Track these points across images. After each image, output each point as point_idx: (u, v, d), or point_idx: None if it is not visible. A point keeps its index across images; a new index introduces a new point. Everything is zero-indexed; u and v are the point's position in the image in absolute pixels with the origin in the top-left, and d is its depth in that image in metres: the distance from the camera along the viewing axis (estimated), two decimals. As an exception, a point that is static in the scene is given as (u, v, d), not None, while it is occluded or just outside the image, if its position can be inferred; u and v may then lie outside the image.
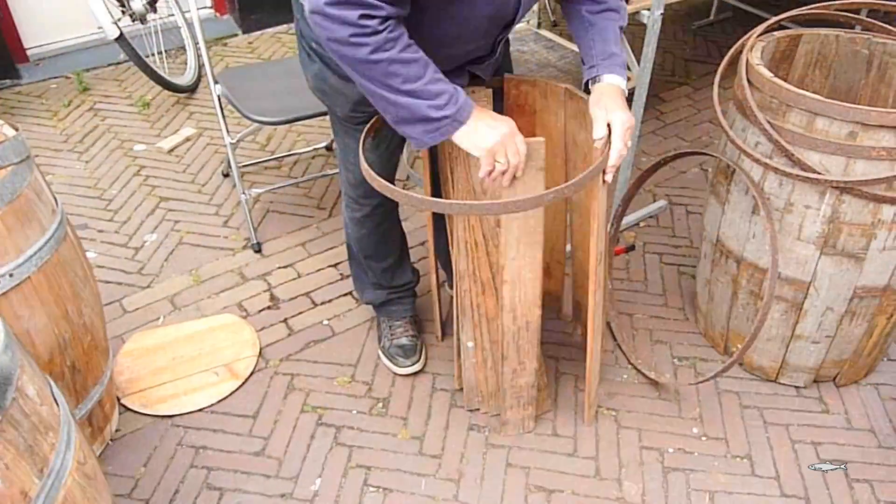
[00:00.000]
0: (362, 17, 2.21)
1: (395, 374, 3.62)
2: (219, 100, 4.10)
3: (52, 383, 2.17)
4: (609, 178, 2.64)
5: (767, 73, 2.91)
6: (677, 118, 5.47)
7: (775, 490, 3.14)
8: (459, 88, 2.44)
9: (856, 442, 3.31)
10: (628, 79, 4.82)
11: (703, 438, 3.33)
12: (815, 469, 3.22)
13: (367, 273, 3.59)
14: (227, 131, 4.14)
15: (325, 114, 3.37)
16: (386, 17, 2.25)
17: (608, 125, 2.61)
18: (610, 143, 2.59)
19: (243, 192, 4.26)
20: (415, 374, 3.61)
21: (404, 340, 3.63)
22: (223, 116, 4.12)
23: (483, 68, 2.84)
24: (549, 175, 3.09)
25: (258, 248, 4.31)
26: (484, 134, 2.45)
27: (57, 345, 2.77)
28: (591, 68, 2.71)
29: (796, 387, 3.52)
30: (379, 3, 2.20)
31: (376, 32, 2.24)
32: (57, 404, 2.09)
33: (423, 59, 2.35)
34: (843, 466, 3.23)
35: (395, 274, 3.57)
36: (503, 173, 2.50)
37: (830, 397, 3.48)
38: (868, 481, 3.16)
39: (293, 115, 3.94)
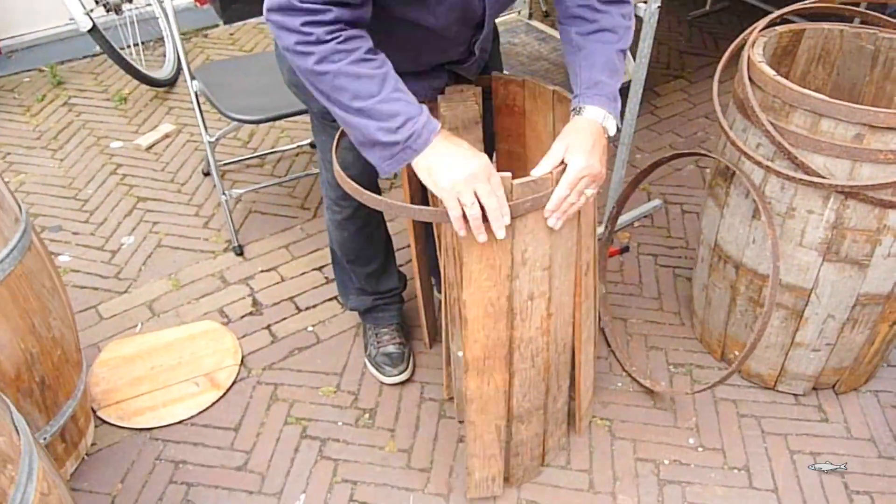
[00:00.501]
0: (305, 24, 2.08)
1: (382, 383, 3.53)
2: (196, 96, 3.99)
3: (13, 409, 2.07)
4: (553, 223, 2.33)
5: (770, 72, 2.81)
6: (672, 113, 5.38)
7: (774, 503, 3.06)
8: (423, 113, 2.20)
9: (856, 451, 3.23)
10: (624, 73, 4.76)
11: (700, 449, 3.25)
12: (813, 469, 3.18)
13: (351, 278, 3.50)
14: (206, 129, 4.03)
15: (306, 111, 3.26)
16: (333, 24, 2.10)
17: (563, 163, 2.28)
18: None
19: (223, 193, 4.15)
20: (402, 383, 3.51)
21: (391, 348, 3.53)
22: (201, 114, 4.00)
23: (465, 69, 2.72)
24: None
25: (240, 251, 4.22)
26: (446, 169, 2.18)
27: (24, 360, 2.68)
28: (575, 98, 2.41)
29: (795, 394, 3.44)
30: (323, 8, 2.06)
31: (321, 42, 2.09)
32: (18, 432, 2.00)
33: (379, 75, 2.16)
34: (843, 466, 3.18)
35: (381, 279, 3.48)
36: (477, 218, 2.21)
37: (830, 405, 3.41)
38: (868, 493, 3.09)
39: (274, 114, 3.83)
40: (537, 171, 2.27)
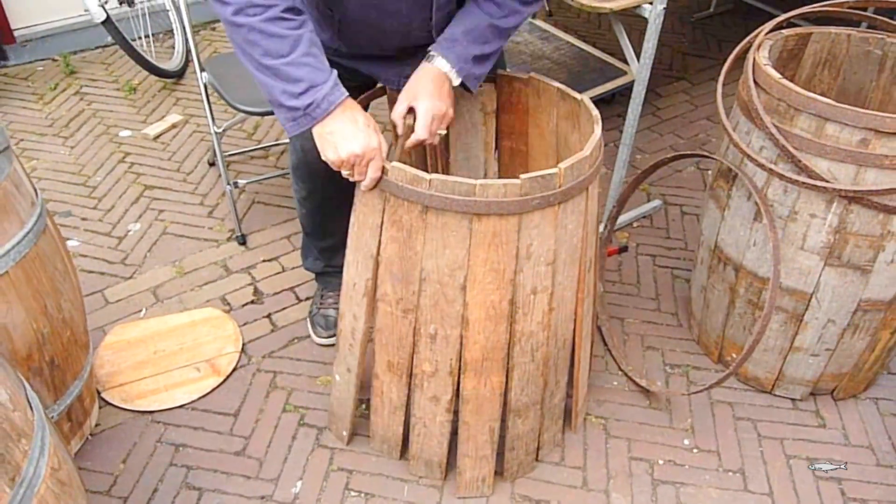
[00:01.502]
0: None
1: (314, 342, 3.69)
2: (205, 88, 4.01)
3: (27, 386, 2.09)
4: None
5: (776, 75, 2.82)
6: (674, 114, 5.39)
7: (768, 506, 3.08)
8: (328, 81, 2.35)
9: (853, 459, 3.24)
10: (624, 73, 4.79)
11: (695, 450, 3.26)
12: (813, 469, 3.19)
13: (309, 245, 3.61)
14: (214, 120, 4.04)
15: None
16: None
17: (412, 110, 2.59)
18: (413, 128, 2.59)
19: (228, 184, 4.16)
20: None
21: (331, 312, 3.63)
22: (209, 105, 4.02)
23: None
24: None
25: (243, 241, 4.24)
26: (334, 142, 2.38)
27: (35, 340, 2.70)
28: (434, 42, 2.63)
29: (792, 399, 3.45)
30: None
31: None
32: (31, 409, 2.02)
33: (293, 36, 2.27)
34: (843, 465, 3.20)
35: (334, 256, 3.56)
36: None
37: (827, 411, 3.41)
38: (865, 501, 3.09)
39: (280, 107, 3.82)
40: (394, 114, 2.63)
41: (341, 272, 3.54)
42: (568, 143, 2.90)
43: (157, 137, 5.07)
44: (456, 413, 2.89)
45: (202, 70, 3.99)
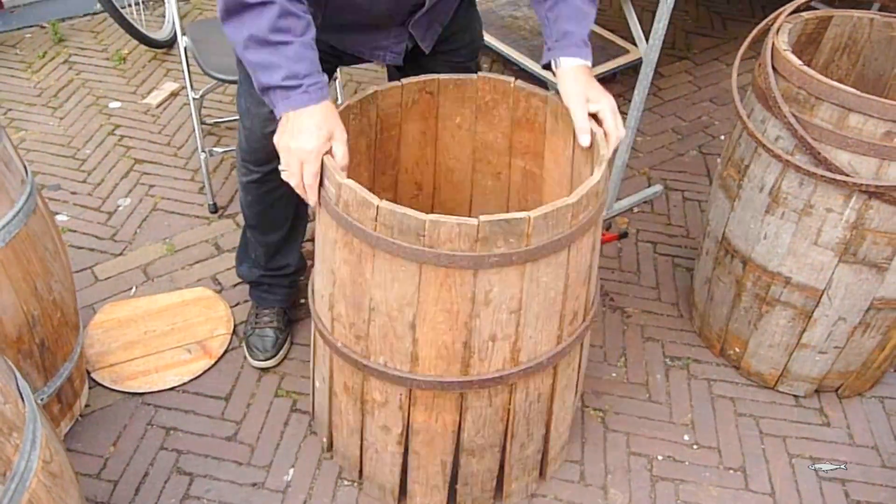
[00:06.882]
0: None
1: (252, 366, 3.47)
2: (185, 52, 3.99)
3: (18, 375, 2.04)
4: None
5: (796, 61, 2.76)
6: (676, 95, 5.30)
7: (770, 507, 3.04)
8: (319, 83, 2.29)
9: (858, 459, 3.20)
10: (627, 52, 4.71)
11: (695, 447, 3.22)
12: (813, 469, 3.15)
13: (248, 245, 3.42)
14: (192, 87, 4.04)
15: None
16: None
17: (593, 115, 2.48)
18: (605, 132, 2.45)
19: (203, 151, 4.13)
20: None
21: (267, 331, 3.45)
22: (188, 70, 4.02)
23: (418, 25, 2.70)
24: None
25: (215, 209, 4.21)
26: (289, 133, 2.28)
27: (26, 322, 2.66)
28: (547, 51, 2.56)
29: (795, 396, 3.41)
30: None
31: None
32: (22, 399, 1.97)
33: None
34: (843, 466, 3.16)
35: (276, 255, 3.37)
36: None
37: (832, 409, 3.37)
38: (869, 503, 3.06)
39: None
40: (582, 124, 2.47)
41: (281, 279, 3.41)
42: (581, 176, 2.63)
43: (159, 105, 5.02)
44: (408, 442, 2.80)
45: (183, 34, 3.98)
